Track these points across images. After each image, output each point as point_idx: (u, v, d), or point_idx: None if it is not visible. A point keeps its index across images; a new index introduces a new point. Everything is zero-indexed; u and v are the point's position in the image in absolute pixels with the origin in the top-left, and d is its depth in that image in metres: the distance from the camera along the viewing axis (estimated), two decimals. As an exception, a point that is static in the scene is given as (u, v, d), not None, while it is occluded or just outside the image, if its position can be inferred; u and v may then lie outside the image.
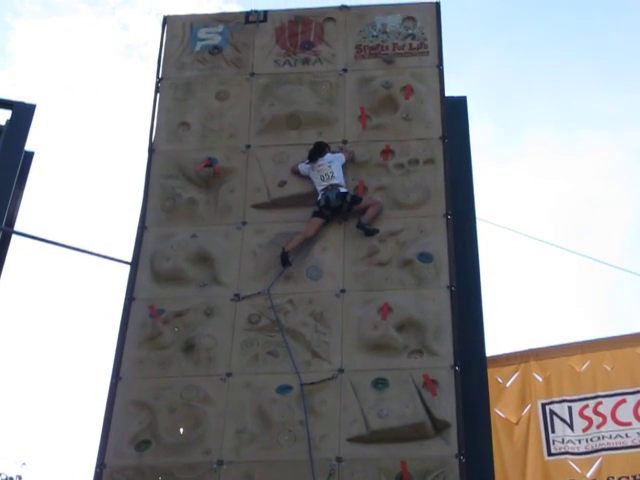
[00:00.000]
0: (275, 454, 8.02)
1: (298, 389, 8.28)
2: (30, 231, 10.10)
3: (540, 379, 10.03)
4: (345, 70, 10.23)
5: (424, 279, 8.82)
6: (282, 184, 9.55)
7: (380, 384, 8.26)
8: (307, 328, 8.64)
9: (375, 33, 10.44)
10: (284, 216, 9.37)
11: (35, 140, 10.77)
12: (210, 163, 9.66)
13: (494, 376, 9.83)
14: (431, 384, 8.19)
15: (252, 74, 10.33)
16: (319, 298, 8.83)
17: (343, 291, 8.84)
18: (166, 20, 10.86)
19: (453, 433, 7.99)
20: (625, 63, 23.24)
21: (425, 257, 8.92)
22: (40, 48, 26.40)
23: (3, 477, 16.30)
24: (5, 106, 10.72)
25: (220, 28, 10.72)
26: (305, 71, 10.28)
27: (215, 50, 10.55)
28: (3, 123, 10.60)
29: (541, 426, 9.81)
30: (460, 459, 7.86)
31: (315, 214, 9.18)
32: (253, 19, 10.72)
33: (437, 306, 8.65)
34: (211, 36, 10.65)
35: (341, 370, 8.38)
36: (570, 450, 9.64)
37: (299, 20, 10.64)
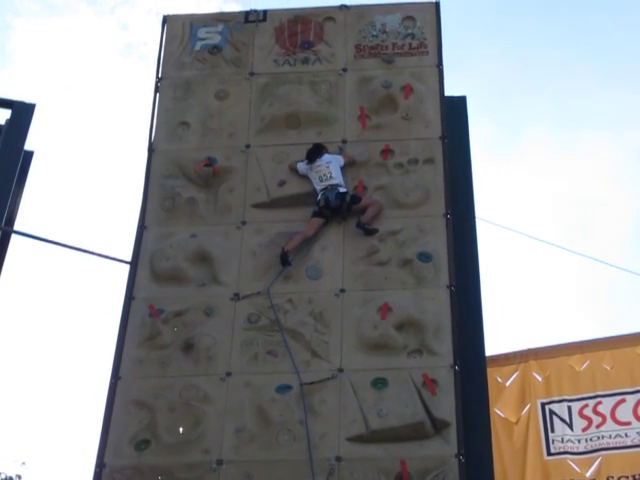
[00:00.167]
0: (275, 453, 8.01)
1: (298, 389, 8.28)
2: (30, 230, 10.11)
3: (540, 379, 10.04)
4: (345, 70, 10.23)
5: (424, 279, 8.82)
6: (282, 184, 9.55)
7: (380, 384, 8.26)
8: (307, 328, 8.64)
9: (375, 33, 10.44)
10: (284, 216, 9.37)
11: (35, 139, 10.79)
12: (210, 163, 9.66)
13: (494, 376, 9.84)
14: (431, 384, 8.19)
15: (252, 74, 10.33)
16: (319, 298, 8.82)
17: (343, 291, 8.84)
18: (166, 20, 10.86)
19: (453, 433, 7.99)
20: (625, 63, 23.28)
21: (425, 257, 8.91)
22: (40, 47, 26.43)
23: (3, 476, 16.34)
24: (5, 105, 10.72)
25: (220, 28, 10.71)
26: (305, 71, 10.28)
27: (215, 50, 10.55)
28: (3, 122, 10.60)
29: (541, 426, 9.82)
30: (460, 459, 7.86)
31: (315, 214, 9.18)
32: (253, 19, 10.72)
33: (437, 306, 8.64)
34: (211, 36, 10.65)
35: (341, 370, 8.37)
36: (570, 450, 9.65)
37: (299, 20, 10.63)
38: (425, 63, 10.19)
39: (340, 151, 9.60)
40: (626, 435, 9.59)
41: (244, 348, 8.60)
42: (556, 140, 23.63)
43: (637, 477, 9.38)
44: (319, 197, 9.19)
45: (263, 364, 8.51)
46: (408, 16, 10.49)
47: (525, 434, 9.81)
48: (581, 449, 9.66)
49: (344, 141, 9.73)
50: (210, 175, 9.63)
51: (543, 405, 9.91)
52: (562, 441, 9.70)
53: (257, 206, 9.48)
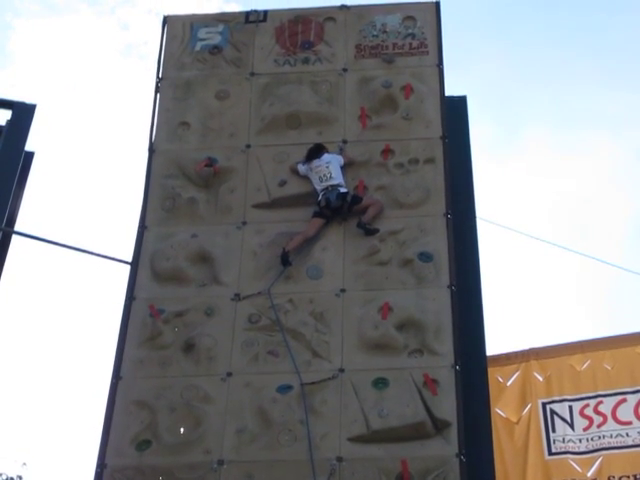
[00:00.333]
0: (275, 454, 8.01)
1: (298, 389, 8.28)
2: (30, 231, 10.11)
3: (541, 378, 10.03)
4: (345, 70, 10.23)
5: (424, 278, 8.82)
6: (282, 184, 9.55)
7: (380, 384, 8.26)
8: (307, 328, 8.64)
9: (375, 33, 10.44)
10: (284, 216, 9.37)
11: (35, 140, 10.79)
12: (210, 163, 9.66)
13: (494, 375, 9.83)
14: (431, 383, 8.19)
15: (252, 74, 10.33)
16: (319, 298, 8.82)
17: (343, 291, 8.84)
18: (166, 20, 10.86)
19: (453, 432, 7.99)
20: (625, 62, 23.25)
21: (425, 256, 8.92)
22: (40, 48, 26.42)
23: (4, 477, 16.32)
24: (5, 106, 10.72)
25: (220, 28, 10.72)
26: (305, 71, 10.28)
27: (215, 50, 10.55)
28: (3, 123, 10.60)
29: (542, 425, 9.81)
30: (461, 458, 7.86)
31: (315, 214, 9.17)
32: (253, 19, 10.72)
33: (437, 305, 8.64)
34: (211, 36, 10.65)
35: (341, 370, 8.37)
36: (571, 449, 9.64)
37: (299, 20, 10.64)
38: (425, 63, 10.19)
39: (340, 151, 9.60)
40: (627, 435, 9.59)
41: (245, 348, 8.60)
42: (556, 140, 23.63)
43: (638, 477, 9.37)
44: (320, 197, 9.18)
45: (264, 364, 8.51)
46: (408, 16, 10.50)
47: (526, 434, 9.80)
48: (582, 449, 9.65)
49: (344, 141, 9.73)
50: (210, 175, 9.63)
51: (544, 405, 9.90)
52: (563, 441, 9.70)
53: (258, 206, 9.48)
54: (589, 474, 9.53)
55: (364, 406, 8.16)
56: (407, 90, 9.93)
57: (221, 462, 8.02)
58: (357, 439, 8.04)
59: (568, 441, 9.70)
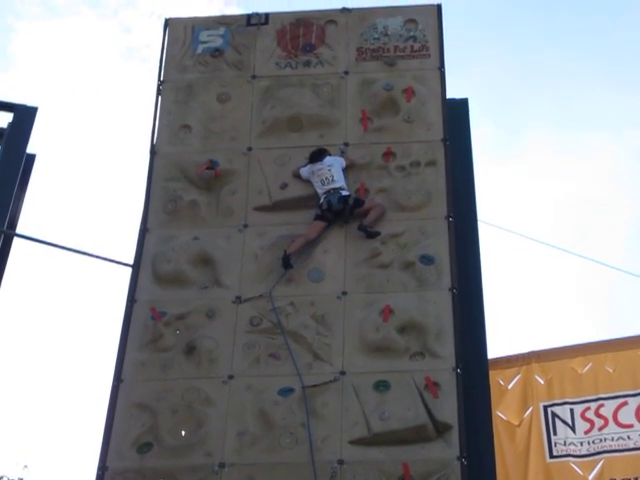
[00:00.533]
0: (277, 456, 8.01)
1: (300, 391, 8.28)
2: (32, 234, 10.13)
3: (542, 381, 10.01)
4: (346, 72, 10.24)
5: (426, 281, 8.82)
6: (283, 186, 9.55)
7: (382, 386, 8.26)
8: (309, 330, 8.64)
9: (376, 35, 10.45)
10: (285, 218, 9.37)
11: (37, 143, 10.80)
12: (212, 165, 9.66)
13: (496, 378, 9.81)
14: (433, 386, 8.19)
15: (253, 76, 10.34)
16: (320, 300, 8.83)
17: (345, 293, 8.84)
18: (168, 23, 10.87)
19: (455, 435, 7.99)
20: (625, 64, 23.26)
21: (427, 259, 8.92)
22: (41, 50, 26.43)
23: (5, 480, 16.31)
24: (7, 109, 10.74)
25: (221, 31, 10.73)
26: (306, 73, 10.29)
27: (216, 53, 10.56)
28: (5, 126, 10.61)
29: (543, 428, 9.79)
30: (462, 461, 7.86)
31: (317, 217, 9.18)
32: (254, 22, 10.73)
33: (439, 308, 8.65)
34: (212, 39, 10.66)
35: (343, 372, 8.37)
36: (572, 452, 9.62)
37: (300, 22, 10.64)
38: (427, 66, 10.20)
39: (342, 154, 9.61)
40: (628, 437, 9.56)
41: (246, 351, 8.60)
42: (557, 141, 23.64)
43: (639, 480, 9.36)
44: (322, 200, 9.19)
45: (265, 367, 8.51)
46: (410, 19, 10.51)
47: (527, 437, 9.78)
48: (583, 452, 9.62)
49: (346, 144, 9.74)
50: (212, 178, 9.63)
51: (545, 408, 9.88)
52: (564, 444, 9.68)
53: (259, 209, 9.49)
54: (590, 477, 9.50)
55: (365, 409, 8.16)
56: (408, 93, 9.94)
57: (222, 465, 8.02)
58: (358, 442, 8.04)
59: (569, 444, 9.68)
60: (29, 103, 10.75)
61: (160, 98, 10.32)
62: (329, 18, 10.66)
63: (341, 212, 9.15)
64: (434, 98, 9.96)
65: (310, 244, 9.11)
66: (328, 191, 9.20)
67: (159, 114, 10.20)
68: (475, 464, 7.96)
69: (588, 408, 9.78)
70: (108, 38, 25.90)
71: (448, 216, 9.19)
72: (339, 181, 9.25)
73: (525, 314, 20.92)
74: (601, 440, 9.60)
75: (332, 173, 9.26)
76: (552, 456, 9.67)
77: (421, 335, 8.51)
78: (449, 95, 10.10)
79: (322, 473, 7.85)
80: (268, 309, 8.79)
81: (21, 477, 16.32)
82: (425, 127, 9.78)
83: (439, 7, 10.57)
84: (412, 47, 10.32)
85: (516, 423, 9.88)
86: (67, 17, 27.26)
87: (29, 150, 10.46)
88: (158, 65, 10.57)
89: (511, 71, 24.41)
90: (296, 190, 9.51)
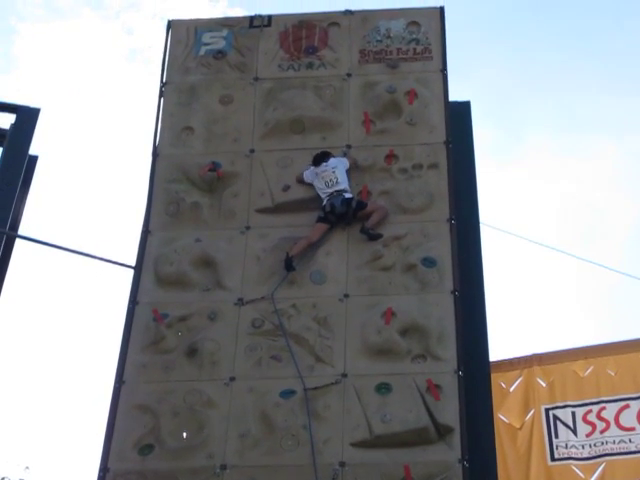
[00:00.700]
0: (278, 459, 8.01)
1: (301, 394, 8.28)
2: (34, 235, 10.14)
3: (543, 384, 10.00)
4: (349, 75, 10.24)
5: (428, 284, 8.82)
6: (286, 189, 9.55)
7: (383, 389, 8.26)
8: (310, 333, 8.64)
9: (379, 38, 10.45)
10: (288, 221, 9.38)
11: (39, 144, 10.82)
12: (214, 167, 9.67)
13: (497, 381, 9.81)
14: (434, 389, 8.19)
15: (256, 78, 10.34)
16: (323, 303, 8.83)
17: (347, 296, 8.84)
18: (170, 24, 10.88)
19: (456, 438, 7.99)
20: (627, 67, 23.24)
21: (429, 262, 8.92)
22: (44, 52, 26.44)
23: (6, 481, 16.31)
24: (9, 110, 10.75)
25: (224, 33, 10.74)
26: (309, 76, 10.29)
27: (219, 54, 10.57)
28: (7, 127, 10.62)
29: (544, 431, 9.78)
30: (463, 464, 7.86)
31: (320, 219, 9.18)
32: (257, 24, 10.74)
33: (441, 311, 8.65)
34: (215, 40, 10.67)
35: (344, 375, 8.37)
36: (573, 455, 9.62)
37: (303, 25, 10.65)
38: (429, 68, 10.21)
39: (344, 154, 9.62)
40: (630, 441, 9.56)
41: (248, 353, 8.60)
42: (558, 144, 23.62)
43: (641, 483, 9.36)
44: (325, 203, 9.19)
45: (267, 369, 8.51)
46: (412, 21, 10.51)
47: (529, 439, 9.78)
48: (585, 455, 9.62)
49: (348, 146, 9.74)
50: (214, 180, 9.64)
51: (547, 411, 9.87)
52: (566, 447, 9.67)
53: (261, 211, 9.49)
54: (592, 480, 9.51)
55: (367, 411, 8.16)
56: (411, 95, 9.94)
57: (224, 467, 8.02)
58: (360, 444, 8.03)
59: (571, 447, 9.67)
60: (32, 104, 10.79)
61: (162, 100, 10.33)
62: (332, 20, 10.67)
63: (344, 215, 9.15)
64: (436, 101, 9.97)
65: (312, 246, 9.11)
66: (331, 193, 9.20)
67: (161, 116, 10.21)
68: (477, 467, 7.96)
69: (590, 411, 9.78)
70: (111, 40, 25.92)
71: (450, 218, 9.20)
72: (343, 183, 9.25)
73: (527, 317, 20.92)
74: (603, 443, 9.60)
75: (336, 175, 9.26)
76: (553, 459, 9.66)
77: (423, 338, 8.51)
78: (451, 98, 10.12)
79: (324, 475, 7.84)
80: (270, 311, 8.79)
81: (22, 478, 16.33)
82: (427, 129, 9.78)
83: (442, 10, 10.58)
84: (415, 50, 10.32)
85: (518, 426, 9.88)
86: (70, 19, 27.29)
87: (31, 151, 10.49)
88: (160, 67, 10.58)
89: (513, 74, 24.40)
90: (298, 192, 9.51)
